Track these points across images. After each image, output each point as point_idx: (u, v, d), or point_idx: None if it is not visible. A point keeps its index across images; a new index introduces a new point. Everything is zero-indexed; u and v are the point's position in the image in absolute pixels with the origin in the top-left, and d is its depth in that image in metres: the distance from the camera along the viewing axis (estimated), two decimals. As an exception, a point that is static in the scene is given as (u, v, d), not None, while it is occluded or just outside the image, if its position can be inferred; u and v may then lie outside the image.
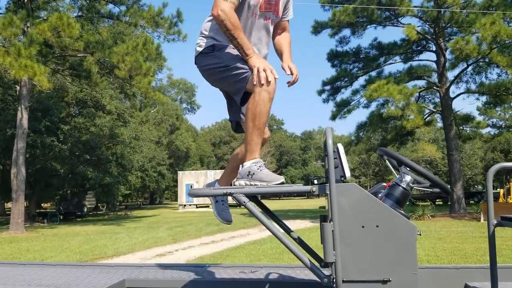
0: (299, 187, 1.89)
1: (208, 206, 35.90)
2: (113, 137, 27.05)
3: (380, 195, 1.93)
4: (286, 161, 66.82)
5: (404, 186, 1.90)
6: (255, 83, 2.09)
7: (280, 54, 2.57)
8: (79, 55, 17.88)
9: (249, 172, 2.08)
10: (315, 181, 1.89)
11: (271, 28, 2.46)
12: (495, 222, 1.89)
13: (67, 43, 16.62)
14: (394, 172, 2.06)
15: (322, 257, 1.73)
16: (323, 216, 2.01)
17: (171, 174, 41.40)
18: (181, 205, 34.25)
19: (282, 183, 2.00)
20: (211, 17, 2.36)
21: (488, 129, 23.62)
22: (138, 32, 22.14)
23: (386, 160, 2.08)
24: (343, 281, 1.66)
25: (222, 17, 2.14)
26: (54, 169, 24.75)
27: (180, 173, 35.90)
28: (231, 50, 2.29)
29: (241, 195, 1.87)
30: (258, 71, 2.09)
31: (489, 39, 15.30)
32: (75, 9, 20.22)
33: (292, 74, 2.40)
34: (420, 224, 14.75)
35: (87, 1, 18.72)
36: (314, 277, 2.40)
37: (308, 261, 1.78)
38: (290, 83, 2.42)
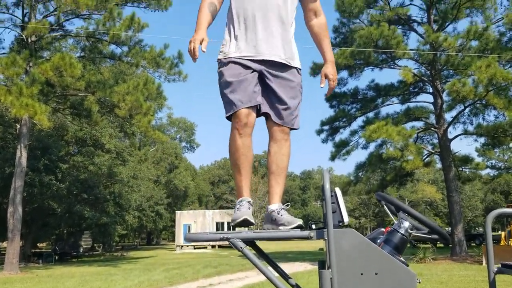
0: (297, 232, 1.87)
1: (206, 247, 35.34)
2: (111, 176, 26.97)
3: (378, 241, 1.90)
4: (285, 201, 66.30)
5: (403, 232, 1.87)
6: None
7: (320, 50, 2.48)
8: (80, 94, 18.08)
9: (271, 217, 2.13)
10: (313, 226, 1.86)
11: None
12: (496, 269, 1.85)
13: (69, 83, 16.85)
14: (393, 217, 2.03)
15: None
16: (321, 262, 1.97)
17: (169, 213, 41.01)
18: (179, 246, 33.74)
19: (300, 226, 1.98)
20: None
21: (488, 170, 23.59)
22: (139, 72, 22.47)
23: (384, 205, 2.06)
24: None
25: None
26: (51, 208, 24.53)
27: (178, 212, 35.58)
28: (228, 71, 2.29)
29: (238, 240, 1.84)
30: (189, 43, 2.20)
31: (485, 81, 15.51)
32: (77, 49, 20.62)
33: (329, 80, 2.36)
34: (421, 267, 14.49)
35: (90, 42, 19.09)
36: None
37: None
38: (329, 92, 2.40)
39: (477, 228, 47.27)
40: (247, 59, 2.29)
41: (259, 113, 2.31)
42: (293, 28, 2.43)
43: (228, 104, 2.24)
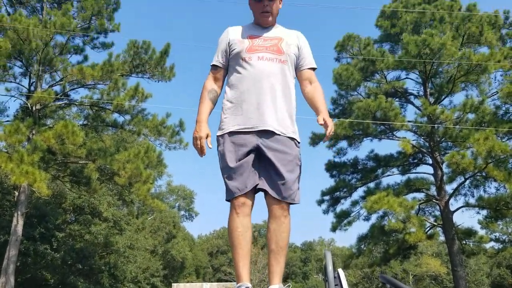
0: None
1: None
2: (108, 246, 26.38)
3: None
4: (286, 274, 64.45)
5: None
6: None
7: (314, 108, 2.51)
8: (81, 162, 18.11)
9: None
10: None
11: (282, 66, 2.45)
12: None
13: (70, 150, 16.92)
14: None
15: None
16: None
17: (165, 286, 39.68)
18: (174, 320, 32.31)
19: None
20: None
21: (492, 243, 23.10)
22: (141, 139, 22.68)
23: (389, 288, 1.96)
24: None
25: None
26: (44, 278, 23.75)
27: (174, 285, 34.44)
28: (226, 155, 2.34)
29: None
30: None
31: (484, 154, 15.60)
32: (81, 117, 20.94)
33: (326, 127, 2.36)
34: None
35: (94, 110, 19.42)
36: None
37: None
38: (326, 138, 2.41)
39: (484, 305, 45.49)
40: (244, 132, 2.33)
41: (257, 190, 2.30)
42: (293, 101, 2.46)
43: (227, 190, 2.32)
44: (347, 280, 1.75)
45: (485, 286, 43.46)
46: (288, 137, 2.37)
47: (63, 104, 19.54)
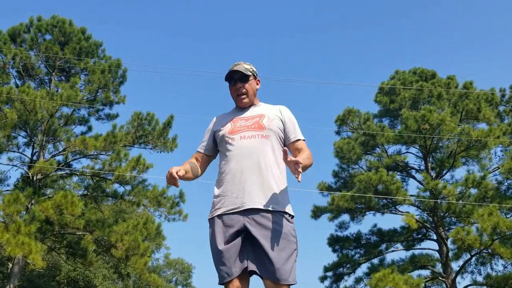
0: None
1: None
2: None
3: None
4: None
5: None
6: None
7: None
8: (78, 233, 17.78)
9: None
10: None
11: (264, 141, 2.46)
12: None
13: (68, 221, 16.68)
14: None
15: None
16: None
17: None
18: None
19: None
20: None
21: (502, 324, 22.07)
22: (140, 210, 22.42)
23: None
24: None
25: None
26: None
27: None
28: (215, 239, 2.33)
29: None
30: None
31: (489, 230, 15.35)
32: (81, 187, 20.85)
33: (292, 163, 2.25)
34: None
35: (94, 181, 19.38)
36: None
37: None
38: (299, 178, 2.25)
39: None
40: (230, 213, 2.32)
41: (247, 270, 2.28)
42: (282, 174, 2.45)
43: (218, 275, 2.31)
44: None
45: None
46: (278, 211, 2.30)
47: (64, 174, 19.54)
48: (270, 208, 2.29)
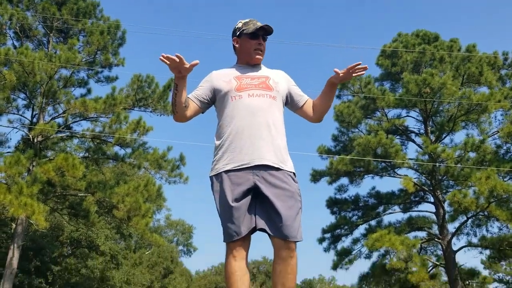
0: None
1: None
2: (104, 281, 25.89)
3: None
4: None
5: None
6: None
7: (324, 94, 2.64)
8: (80, 194, 17.99)
9: None
10: None
11: (272, 101, 2.49)
12: None
13: (70, 183, 16.84)
14: None
15: None
16: None
17: (160, 322, 38.73)
18: None
19: None
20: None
21: (495, 284, 22.68)
22: (141, 173, 22.59)
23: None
24: None
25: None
26: (36, 313, 23.22)
27: (170, 322, 33.56)
28: (222, 196, 2.31)
29: None
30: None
31: (486, 193, 15.51)
32: (82, 149, 20.93)
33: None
34: None
35: (95, 143, 19.45)
36: None
37: None
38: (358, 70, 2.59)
39: None
40: (237, 170, 2.30)
41: (256, 229, 2.26)
42: (284, 136, 2.47)
43: (224, 232, 2.28)
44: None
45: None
46: (287, 171, 2.33)
47: (64, 136, 19.58)
48: (281, 167, 2.32)
